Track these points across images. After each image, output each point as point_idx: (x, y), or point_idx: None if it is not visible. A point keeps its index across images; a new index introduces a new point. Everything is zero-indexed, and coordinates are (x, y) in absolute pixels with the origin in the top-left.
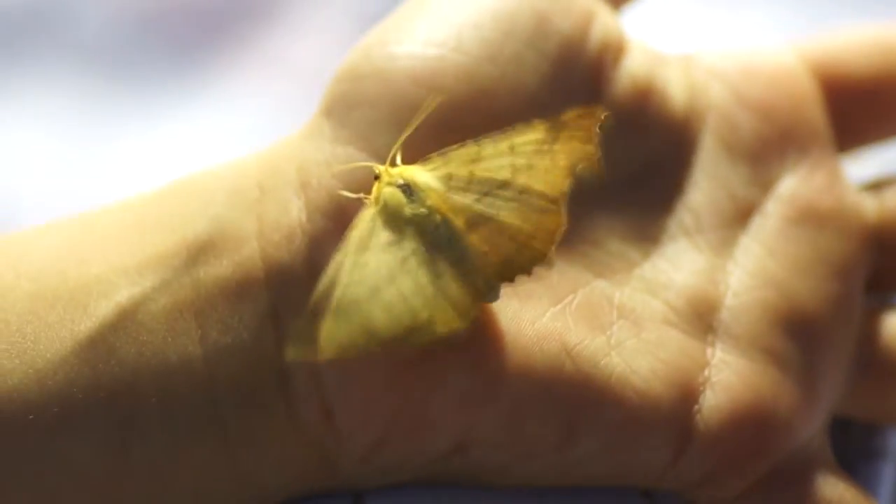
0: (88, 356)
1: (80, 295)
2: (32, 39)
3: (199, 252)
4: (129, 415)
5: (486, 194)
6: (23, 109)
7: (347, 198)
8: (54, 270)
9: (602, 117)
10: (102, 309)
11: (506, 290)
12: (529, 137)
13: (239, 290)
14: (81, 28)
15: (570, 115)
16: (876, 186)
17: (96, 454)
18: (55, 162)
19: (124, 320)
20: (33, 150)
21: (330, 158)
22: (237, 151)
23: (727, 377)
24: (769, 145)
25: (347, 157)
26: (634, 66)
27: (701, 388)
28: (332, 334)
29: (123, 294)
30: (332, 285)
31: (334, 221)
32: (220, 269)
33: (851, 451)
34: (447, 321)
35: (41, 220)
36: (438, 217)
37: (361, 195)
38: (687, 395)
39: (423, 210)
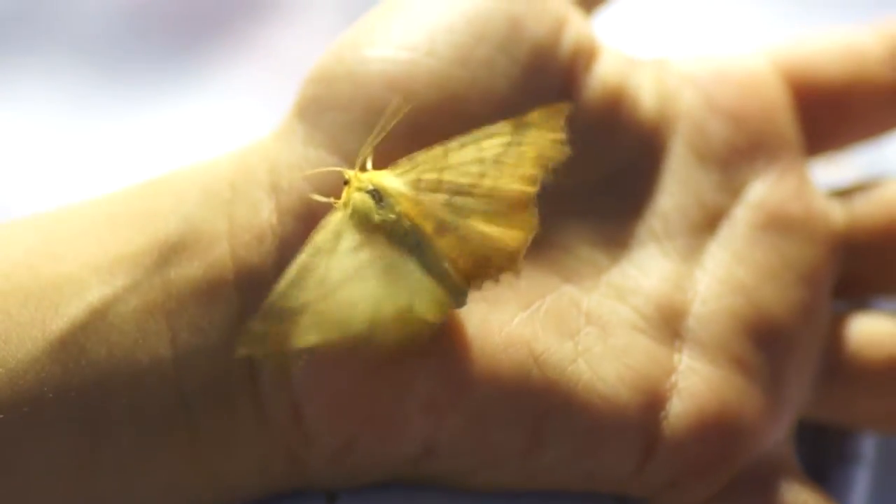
0: (59, 356)
1: (52, 294)
2: (26, 31)
3: (171, 252)
4: (98, 415)
5: (454, 199)
6: (16, 101)
7: (318, 201)
8: (26, 268)
9: (566, 113)
10: (74, 309)
11: (474, 295)
12: (496, 139)
13: (210, 291)
14: (74, 20)
15: (535, 114)
16: (846, 193)
17: (66, 454)
18: (47, 153)
19: (95, 321)
20: (26, 142)
21: (302, 161)
22: (229, 144)
23: (694, 384)
24: (739, 152)
25: (319, 160)
26: (606, 71)
27: (668, 395)
28: (296, 331)
29: (95, 294)
30: (296, 283)
31: (305, 224)
32: (191, 270)
33: (825, 455)
34: (413, 323)
35: (31, 213)
36: (407, 223)
37: (332, 199)
38: (653, 402)
39: (392, 216)
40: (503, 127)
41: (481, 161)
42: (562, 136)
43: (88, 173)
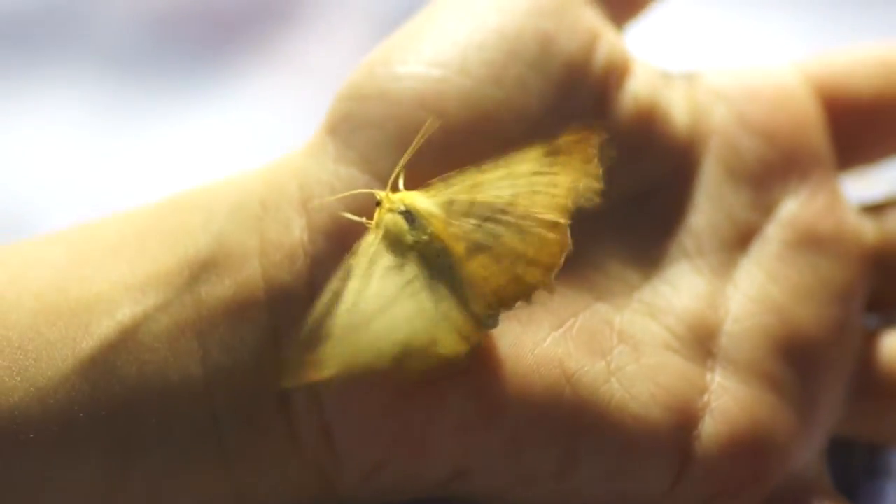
0: (89, 375)
1: (82, 312)
2: (51, 40)
3: (201, 270)
4: (128, 434)
5: (487, 220)
6: (41, 110)
7: (349, 220)
8: (56, 286)
9: (599, 138)
10: (104, 327)
11: (507, 314)
12: (529, 162)
13: (241, 310)
14: (100, 30)
15: (567, 137)
16: (877, 208)
17: (96, 473)
18: (74, 163)
19: (126, 339)
20: (51, 152)
21: (333, 179)
22: (254, 154)
23: (726, 403)
24: (771, 168)
25: (350, 178)
26: (638, 87)
27: (700, 414)
28: (329, 357)
29: (125, 312)
30: (330, 309)
31: (336, 243)
32: (222, 288)
33: (855, 470)
34: (447, 346)
35: (59, 223)
36: (439, 244)
37: (364, 219)
38: (686, 421)
39: (424, 237)
40: (535, 151)
41: (514, 187)
42: (594, 163)
43: (114, 183)
